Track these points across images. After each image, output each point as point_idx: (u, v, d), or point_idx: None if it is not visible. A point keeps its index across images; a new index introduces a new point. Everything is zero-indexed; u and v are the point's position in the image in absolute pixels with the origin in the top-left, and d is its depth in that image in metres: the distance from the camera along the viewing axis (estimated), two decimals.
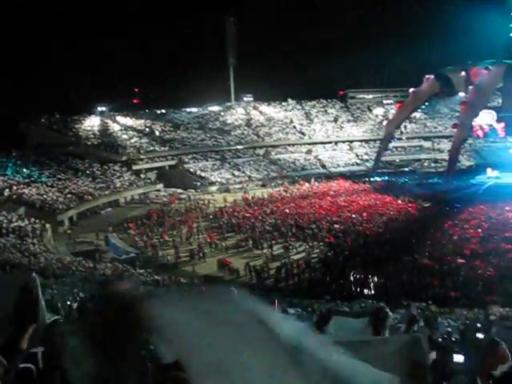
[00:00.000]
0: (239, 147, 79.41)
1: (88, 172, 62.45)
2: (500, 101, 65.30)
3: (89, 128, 76.68)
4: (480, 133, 63.91)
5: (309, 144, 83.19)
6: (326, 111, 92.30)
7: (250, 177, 71.46)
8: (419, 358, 2.66)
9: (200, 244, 39.48)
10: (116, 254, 39.16)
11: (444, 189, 55.89)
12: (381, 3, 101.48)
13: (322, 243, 39.17)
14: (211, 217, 49.98)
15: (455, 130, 62.98)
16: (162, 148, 75.30)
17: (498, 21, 68.95)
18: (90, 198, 55.89)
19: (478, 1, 71.28)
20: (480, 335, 8.04)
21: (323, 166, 78.31)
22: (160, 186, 65.58)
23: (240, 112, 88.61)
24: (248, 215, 48.19)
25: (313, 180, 68.11)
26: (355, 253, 35.58)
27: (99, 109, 79.52)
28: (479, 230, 39.80)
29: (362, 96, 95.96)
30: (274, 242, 39.24)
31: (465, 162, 75.55)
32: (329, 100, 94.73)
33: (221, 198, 58.92)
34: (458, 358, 4.46)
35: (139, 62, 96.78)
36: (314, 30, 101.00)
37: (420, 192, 56.56)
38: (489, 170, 63.23)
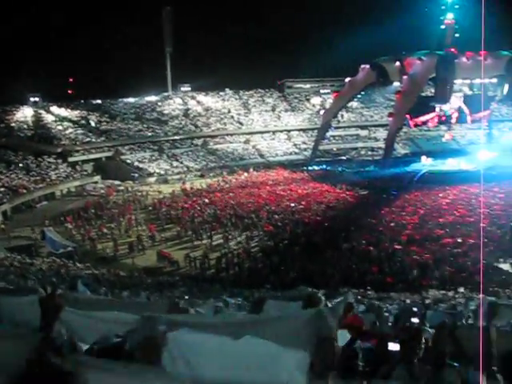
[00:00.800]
0: (177, 138, 78.75)
1: (22, 165, 60.72)
2: (433, 90, 66.89)
3: (22, 119, 74.52)
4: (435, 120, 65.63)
5: (247, 134, 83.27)
6: (263, 101, 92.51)
7: (188, 167, 71.00)
8: (325, 332, 2.66)
9: (139, 236, 38.98)
10: (53, 248, 38.10)
11: (380, 176, 56.91)
12: None
13: (261, 232, 39.31)
14: (150, 208, 49.39)
15: (391, 118, 64.13)
16: (99, 139, 73.91)
17: (431, 13, 70.45)
18: (24, 191, 54.34)
19: None
20: (415, 320, 8.19)
21: (261, 156, 78.52)
22: (97, 177, 64.44)
23: (177, 102, 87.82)
24: (187, 206, 47.85)
25: (251, 170, 68.30)
26: (294, 241, 35.85)
27: (32, 99, 77.38)
28: (415, 217, 40.83)
29: (299, 86, 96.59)
30: (213, 232, 39.09)
31: (400, 150, 77.14)
32: (266, 90, 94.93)
33: (159, 189, 58.36)
34: (394, 347, 4.47)
35: (73, 51, 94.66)
36: (250, 19, 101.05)
37: (357, 180, 57.53)
38: (423, 158, 64.87)
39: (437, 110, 64.98)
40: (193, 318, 3.36)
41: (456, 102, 66.37)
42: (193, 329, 3.02)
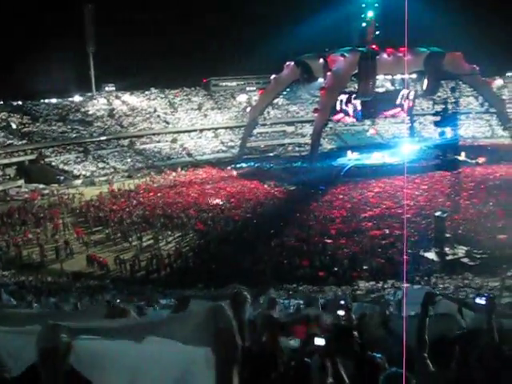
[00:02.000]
0: (103, 138, 77.15)
1: None
2: (356, 86, 68.23)
3: None
4: (348, 118, 66.81)
5: (174, 133, 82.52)
6: (189, 99, 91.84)
7: (115, 168, 69.76)
8: (224, 324, 2.65)
9: (66, 240, 38.02)
10: None
11: (308, 172, 57.59)
12: None
13: (191, 231, 39.12)
14: (77, 211, 48.30)
15: (316, 114, 65.02)
16: (21, 142, 71.56)
17: (353, 11, 71.73)
18: None
19: None
20: (341, 312, 8.26)
21: (189, 155, 78.05)
22: (20, 181, 62.27)
23: (102, 102, 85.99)
24: (115, 208, 47.04)
25: (179, 169, 67.82)
26: (225, 239, 35.86)
27: None
28: (343, 210, 41.58)
29: (225, 84, 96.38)
30: (143, 233, 38.61)
31: (326, 145, 78.20)
32: (192, 88, 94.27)
33: (86, 191, 57.13)
34: (319, 342, 4.44)
35: None
36: (175, 17, 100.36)
37: (285, 176, 57.99)
38: (349, 153, 66.09)
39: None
40: (96, 323, 3.21)
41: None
42: (95, 335, 2.91)
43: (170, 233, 39.23)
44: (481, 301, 4.56)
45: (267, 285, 23.49)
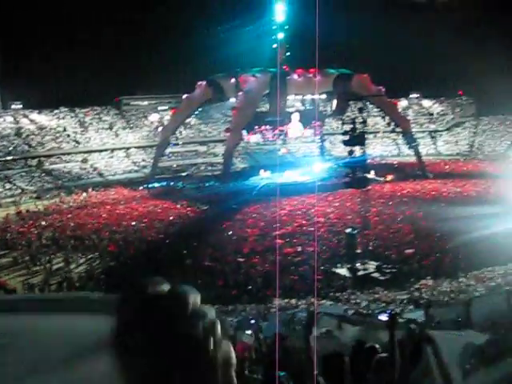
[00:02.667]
0: (9, 158, 74.39)
1: None
2: (268, 106, 69.07)
3: None
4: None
5: (84, 152, 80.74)
6: (100, 118, 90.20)
7: (22, 189, 67.31)
8: None
9: None
10: None
11: (221, 191, 57.56)
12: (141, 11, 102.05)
13: (103, 253, 38.10)
14: None
15: (228, 134, 65.21)
16: None
17: (264, 32, 72.77)
18: None
19: (246, 14, 74.87)
20: (249, 332, 8.13)
21: (100, 175, 76.48)
22: None
23: (8, 121, 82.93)
24: (23, 230, 45.25)
25: (90, 189, 66.25)
26: (138, 260, 35.13)
27: None
28: (255, 229, 41.68)
29: (136, 103, 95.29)
30: (52, 256, 37.25)
31: (239, 164, 78.53)
32: (103, 107, 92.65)
33: None
34: None
35: None
36: (84, 35, 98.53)
37: (198, 196, 57.71)
38: (261, 172, 66.57)
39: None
40: None
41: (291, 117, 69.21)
42: None
43: (80, 255, 38.06)
44: (383, 317, 4.64)
45: None
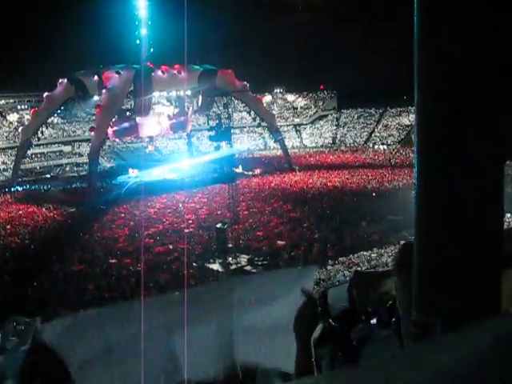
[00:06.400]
0: None
1: None
2: (132, 103, 68.21)
3: None
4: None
5: None
6: None
7: None
8: None
9: None
10: None
11: (88, 192, 56.32)
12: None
13: None
14: None
15: (92, 133, 63.71)
16: None
17: (127, 28, 71.50)
18: None
19: (108, 8, 73.43)
20: None
21: None
22: None
23: None
24: None
25: None
26: (2, 269, 33.68)
27: None
28: (125, 229, 41.29)
29: None
30: None
31: (106, 163, 77.06)
32: None
33: None
34: None
35: None
36: None
37: (64, 197, 56.13)
38: (130, 170, 65.71)
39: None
40: None
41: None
42: None
43: None
44: None
45: (53, 314, 22.54)
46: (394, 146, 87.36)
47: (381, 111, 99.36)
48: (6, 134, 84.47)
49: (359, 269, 27.52)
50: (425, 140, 2.20)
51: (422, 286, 2.24)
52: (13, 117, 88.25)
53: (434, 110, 2.15)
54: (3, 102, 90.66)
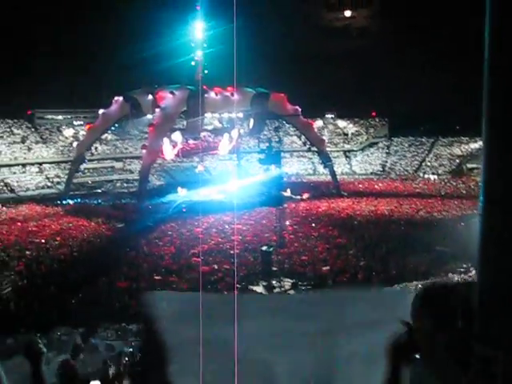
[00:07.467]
0: None
1: None
2: (185, 123, 69.01)
3: None
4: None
5: None
6: (12, 132, 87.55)
7: None
8: None
9: None
10: None
11: (137, 209, 57.04)
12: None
13: (12, 272, 36.90)
14: None
15: (144, 151, 64.68)
16: None
17: (182, 49, 72.55)
18: None
19: (164, 30, 74.77)
20: None
21: (11, 191, 74.18)
22: None
23: None
24: None
25: (0, 205, 64.17)
26: (50, 279, 34.26)
27: None
28: (172, 247, 41.54)
29: (50, 116, 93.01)
30: None
31: (155, 181, 78.05)
32: (15, 120, 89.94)
33: None
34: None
35: None
36: None
37: (113, 213, 56.96)
38: (179, 189, 66.34)
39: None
40: None
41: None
42: None
43: None
44: None
45: (95, 326, 22.76)
46: (444, 176, 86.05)
47: (432, 140, 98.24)
48: (61, 149, 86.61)
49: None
50: (491, 169, 2.12)
51: (485, 321, 2.14)
52: (68, 132, 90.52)
53: (502, 145, 2.06)
54: (60, 117, 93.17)
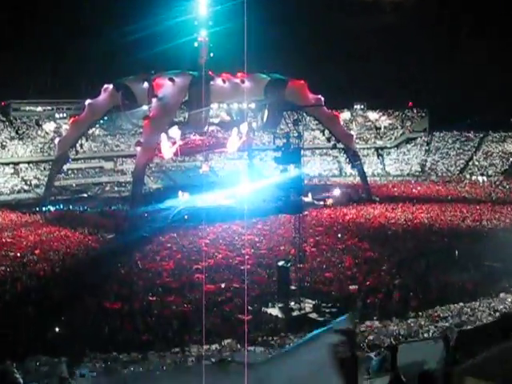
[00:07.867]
0: None
1: None
2: (186, 116, 68.79)
3: None
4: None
5: None
6: None
7: None
8: None
9: None
10: None
11: (130, 217, 57.10)
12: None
13: None
14: None
15: (138, 148, 64.70)
16: None
17: (183, 28, 71.78)
18: None
19: (162, 5, 74.66)
20: None
21: None
22: None
23: None
24: None
25: None
26: (27, 299, 34.38)
27: None
28: (171, 262, 41.51)
29: (28, 108, 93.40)
30: None
31: (152, 184, 78.23)
32: None
33: None
34: None
35: None
36: None
37: (102, 221, 57.08)
38: (180, 193, 66.24)
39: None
40: None
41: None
42: None
43: None
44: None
45: (80, 355, 22.76)
46: (495, 178, 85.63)
47: (481, 135, 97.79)
48: (40, 146, 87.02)
49: (447, 324, 26.83)
50: None
51: None
52: (49, 126, 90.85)
53: None
54: (39, 108, 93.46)
